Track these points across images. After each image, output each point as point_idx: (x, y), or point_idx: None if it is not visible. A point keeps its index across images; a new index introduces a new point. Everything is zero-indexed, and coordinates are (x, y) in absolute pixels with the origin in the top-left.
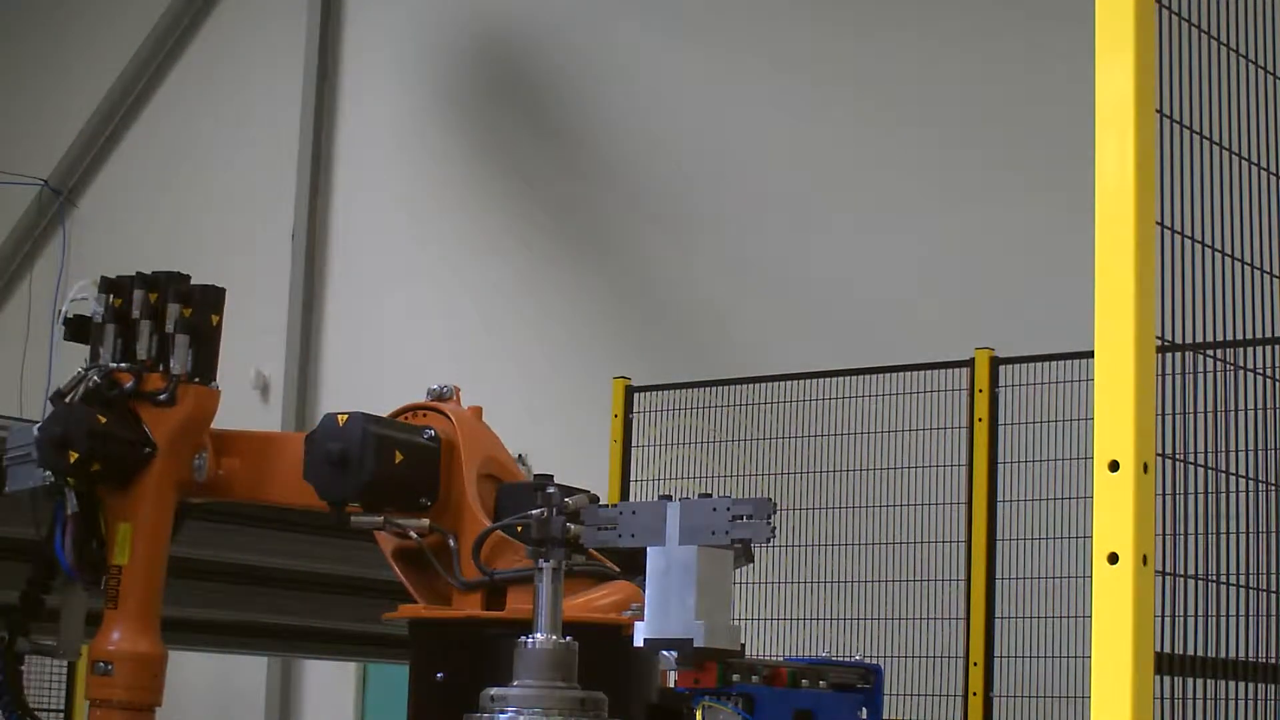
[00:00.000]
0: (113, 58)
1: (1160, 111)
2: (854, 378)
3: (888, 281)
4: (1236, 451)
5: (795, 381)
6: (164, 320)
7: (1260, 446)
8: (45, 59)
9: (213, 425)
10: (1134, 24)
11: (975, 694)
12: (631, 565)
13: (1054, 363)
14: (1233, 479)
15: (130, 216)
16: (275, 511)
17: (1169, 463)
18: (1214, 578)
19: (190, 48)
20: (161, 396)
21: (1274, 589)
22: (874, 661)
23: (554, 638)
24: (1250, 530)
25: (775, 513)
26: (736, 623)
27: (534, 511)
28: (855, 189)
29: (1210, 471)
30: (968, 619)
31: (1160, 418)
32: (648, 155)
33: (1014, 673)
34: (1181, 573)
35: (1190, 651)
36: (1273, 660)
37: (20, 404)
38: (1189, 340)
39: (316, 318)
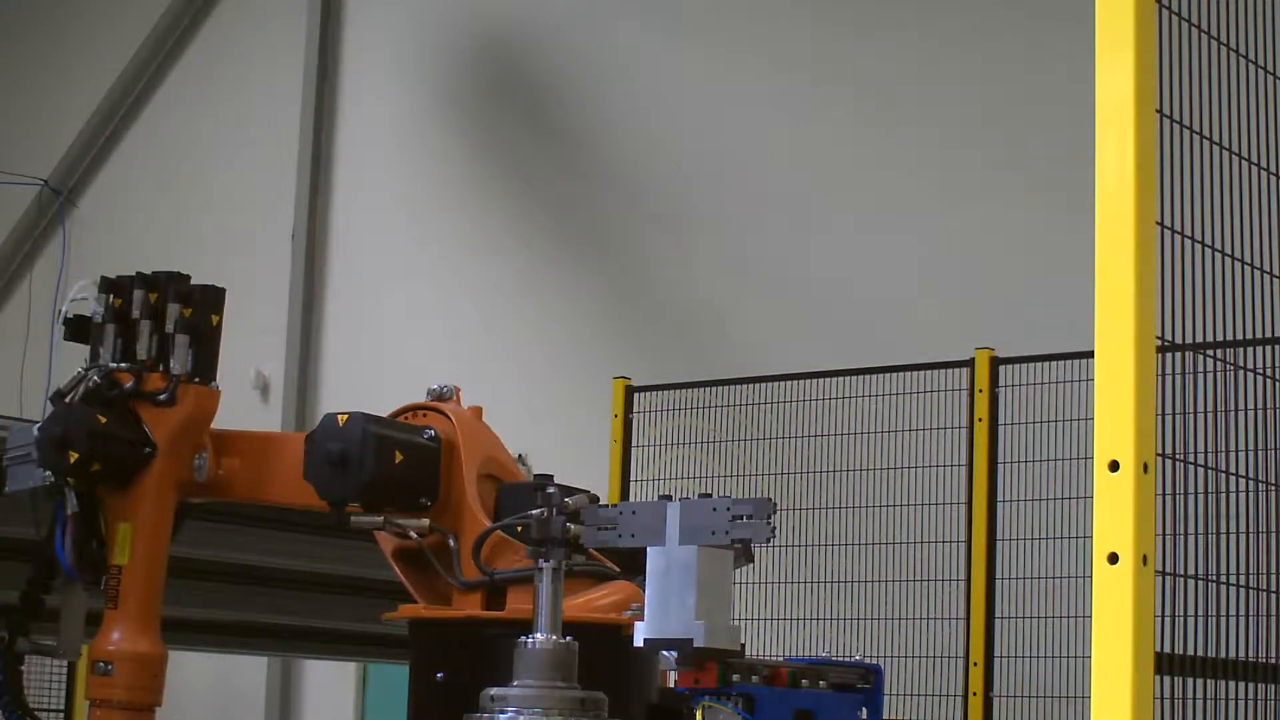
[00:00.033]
0: (113, 58)
1: (1160, 111)
2: (854, 378)
3: (888, 281)
4: (1236, 451)
5: (795, 381)
6: (164, 320)
7: (1260, 446)
8: (45, 59)
9: (213, 425)
10: (1134, 24)
11: (975, 694)
12: (631, 565)
13: (1054, 363)
14: (1233, 479)
15: (130, 216)
16: (275, 511)
17: (1169, 463)
18: (1214, 578)
19: (190, 48)
20: (161, 396)
21: (1274, 589)
22: (874, 661)
23: (554, 638)
24: (1250, 530)
25: (775, 513)
26: (736, 623)
27: (534, 511)
28: (855, 189)
29: (1210, 471)
30: (968, 619)
31: (1160, 418)
32: (648, 155)
33: (1014, 673)
34: (1181, 573)
35: (1190, 651)
36: (1273, 660)
37: (20, 404)
38: (1189, 340)
39: (316, 318)
